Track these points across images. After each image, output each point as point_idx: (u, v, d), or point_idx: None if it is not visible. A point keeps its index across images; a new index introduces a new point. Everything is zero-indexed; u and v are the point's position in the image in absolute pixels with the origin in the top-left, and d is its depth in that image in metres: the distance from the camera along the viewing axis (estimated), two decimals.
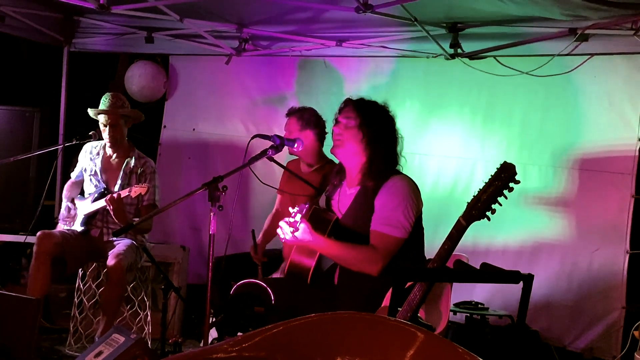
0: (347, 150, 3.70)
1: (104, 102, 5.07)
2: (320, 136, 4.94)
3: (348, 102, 3.78)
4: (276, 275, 4.52)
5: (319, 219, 3.66)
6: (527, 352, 4.94)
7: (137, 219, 4.70)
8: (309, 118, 4.89)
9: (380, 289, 3.34)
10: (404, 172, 3.76)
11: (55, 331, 5.44)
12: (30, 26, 5.96)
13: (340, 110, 3.80)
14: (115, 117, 5.04)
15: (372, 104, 3.78)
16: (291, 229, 3.49)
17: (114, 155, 5.16)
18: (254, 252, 4.74)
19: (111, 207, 4.73)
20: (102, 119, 5.06)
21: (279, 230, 3.61)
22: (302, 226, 3.49)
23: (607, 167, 5.13)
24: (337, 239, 3.58)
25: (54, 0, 5.23)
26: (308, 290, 3.66)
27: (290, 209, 3.63)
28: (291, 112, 4.99)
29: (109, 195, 4.76)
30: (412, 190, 3.60)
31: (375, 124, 3.68)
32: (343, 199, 3.78)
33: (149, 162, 5.19)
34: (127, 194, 4.72)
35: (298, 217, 3.51)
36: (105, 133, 5.07)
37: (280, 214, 5.17)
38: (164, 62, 6.65)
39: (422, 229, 3.65)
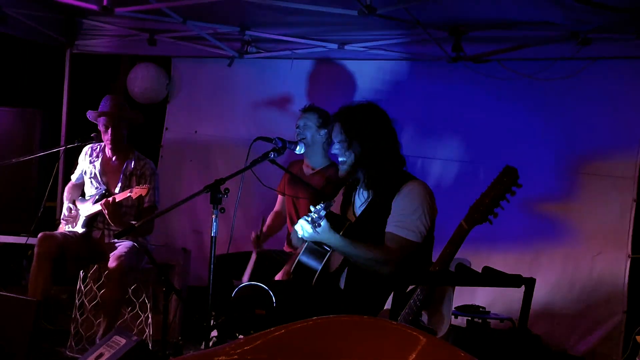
0: (352, 170, 3.69)
1: (105, 104, 5.07)
2: (329, 138, 4.94)
3: (335, 123, 3.74)
4: (278, 276, 4.51)
5: (333, 220, 3.65)
6: (529, 356, 4.93)
7: (135, 222, 4.72)
8: (327, 118, 4.88)
9: (382, 293, 3.33)
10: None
11: (56, 333, 5.44)
12: (33, 27, 5.96)
13: (331, 132, 3.78)
14: (117, 119, 5.04)
15: (359, 117, 3.70)
16: (311, 225, 3.47)
17: (114, 157, 5.16)
18: (255, 238, 4.74)
19: (106, 210, 4.74)
20: (102, 121, 5.05)
21: (297, 227, 3.59)
22: (323, 223, 3.48)
23: (610, 171, 5.13)
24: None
25: (56, 2, 5.23)
26: (310, 293, 3.66)
27: (312, 207, 3.61)
28: (311, 108, 4.98)
29: (104, 200, 4.76)
30: (429, 197, 3.59)
31: (368, 140, 3.63)
32: (359, 202, 3.78)
33: (149, 164, 5.18)
34: (128, 195, 4.73)
35: (322, 213, 3.48)
36: (105, 135, 5.06)
37: (281, 215, 5.17)
38: (166, 64, 6.64)
39: (433, 238, 3.63)
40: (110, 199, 4.74)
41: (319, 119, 4.88)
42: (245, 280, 4.50)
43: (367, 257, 3.51)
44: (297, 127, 4.91)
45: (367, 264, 3.53)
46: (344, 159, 3.70)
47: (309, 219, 3.48)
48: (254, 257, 4.67)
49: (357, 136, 3.64)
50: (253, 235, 4.76)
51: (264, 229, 4.96)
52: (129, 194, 4.71)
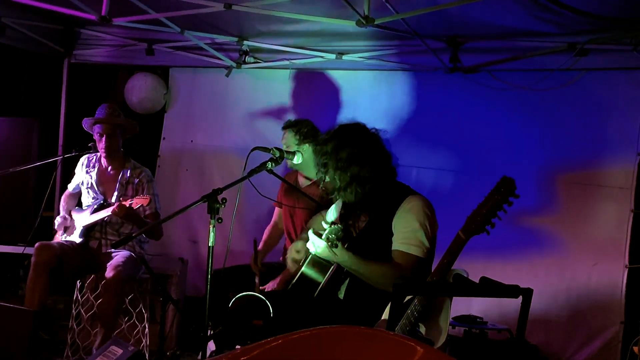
0: (345, 189, 3.66)
1: (100, 113, 5.07)
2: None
3: (320, 146, 3.74)
4: (271, 284, 4.50)
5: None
6: None
7: (135, 231, 4.73)
8: (306, 131, 4.87)
9: (380, 303, 3.33)
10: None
11: (52, 343, 5.42)
12: (31, 37, 5.98)
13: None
14: (112, 126, 5.05)
15: (344, 138, 3.67)
16: (327, 244, 3.46)
17: (110, 167, 5.16)
18: (254, 262, 4.74)
19: (120, 215, 4.72)
20: (97, 129, 5.05)
21: (309, 243, 3.58)
22: (339, 244, 3.47)
23: (607, 181, 5.14)
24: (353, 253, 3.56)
25: (54, 12, 5.24)
26: (308, 304, 3.65)
27: (323, 223, 3.59)
28: (288, 125, 4.96)
29: (111, 209, 4.74)
30: (431, 211, 3.59)
31: (354, 161, 3.60)
32: (361, 214, 3.76)
33: (145, 172, 5.18)
34: (129, 205, 4.71)
35: (340, 234, 3.45)
36: (100, 144, 5.06)
37: (277, 227, 5.17)
38: (164, 73, 6.65)
39: (434, 252, 3.63)
40: (116, 205, 4.70)
41: (295, 135, 4.86)
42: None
43: (379, 274, 3.49)
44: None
45: (377, 281, 3.50)
46: (337, 179, 3.66)
47: (325, 237, 3.46)
48: (258, 283, 4.64)
49: (345, 159, 3.61)
50: (250, 260, 4.76)
51: (261, 246, 4.96)
52: (129, 204, 4.69)
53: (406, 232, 3.51)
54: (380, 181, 3.63)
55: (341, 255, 3.49)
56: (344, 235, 3.65)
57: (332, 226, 3.51)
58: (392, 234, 3.55)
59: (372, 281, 3.52)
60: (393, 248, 3.53)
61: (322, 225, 3.60)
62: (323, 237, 3.49)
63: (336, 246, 3.44)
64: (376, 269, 3.50)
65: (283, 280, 4.41)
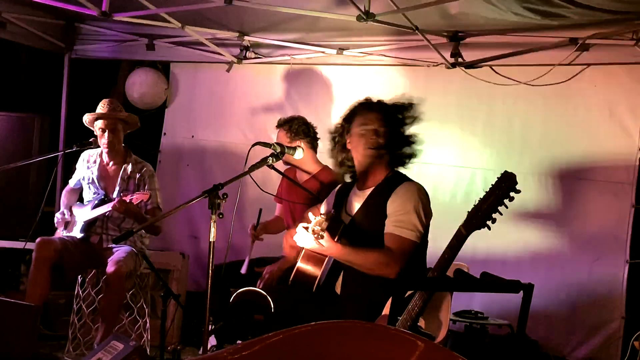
0: (361, 157, 3.73)
1: (101, 107, 5.07)
2: (312, 144, 4.93)
3: (372, 108, 3.80)
4: (268, 268, 4.50)
5: (330, 223, 3.65)
6: None
7: (136, 226, 4.73)
8: (297, 128, 4.87)
9: (380, 298, 3.33)
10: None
11: (54, 338, 5.43)
12: (32, 33, 5.98)
13: (358, 115, 3.80)
14: (114, 121, 5.04)
15: (394, 107, 3.83)
16: (313, 236, 3.47)
17: (111, 162, 5.15)
18: (253, 228, 4.76)
19: (120, 211, 4.74)
20: (99, 124, 5.05)
21: (296, 237, 3.59)
22: (325, 235, 3.48)
23: (608, 176, 5.13)
24: (348, 242, 3.58)
25: (55, 7, 5.24)
26: (309, 299, 3.66)
27: (311, 216, 3.60)
28: (280, 124, 4.98)
29: (112, 205, 4.75)
30: (425, 197, 3.63)
31: (395, 130, 3.75)
32: (353, 201, 3.78)
33: (147, 166, 5.18)
34: (129, 200, 4.72)
35: (325, 225, 3.47)
36: (102, 139, 5.05)
37: (280, 220, 5.17)
38: (165, 69, 6.65)
39: (427, 241, 3.64)
40: (116, 201, 4.71)
41: (287, 133, 4.88)
42: (244, 270, 4.52)
43: (370, 262, 3.50)
44: None
45: (370, 268, 3.51)
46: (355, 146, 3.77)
47: (310, 230, 3.47)
48: (251, 247, 4.68)
49: (391, 125, 3.78)
50: (250, 226, 4.78)
51: (261, 222, 4.97)
52: (129, 200, 4.69)
53: (400, 215, 3.52)
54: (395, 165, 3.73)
55: (329, 247, 3.50)
56: (336, 222, 3.66)
57: (317, 218, 3.51)
58: (385, 218, 3.56)
59: (365, 269, 3.53)
60: (386, 231, 3.54)
61: (309, 217, 3.60)
62: (309, 230, 3.50)
63: (322, 237, 3.45)
64: (367, 257, 3.51)
65: (280, 267, 4.40)
